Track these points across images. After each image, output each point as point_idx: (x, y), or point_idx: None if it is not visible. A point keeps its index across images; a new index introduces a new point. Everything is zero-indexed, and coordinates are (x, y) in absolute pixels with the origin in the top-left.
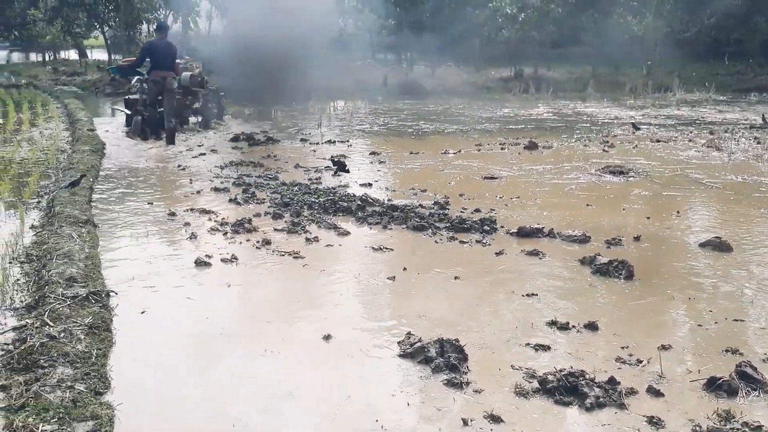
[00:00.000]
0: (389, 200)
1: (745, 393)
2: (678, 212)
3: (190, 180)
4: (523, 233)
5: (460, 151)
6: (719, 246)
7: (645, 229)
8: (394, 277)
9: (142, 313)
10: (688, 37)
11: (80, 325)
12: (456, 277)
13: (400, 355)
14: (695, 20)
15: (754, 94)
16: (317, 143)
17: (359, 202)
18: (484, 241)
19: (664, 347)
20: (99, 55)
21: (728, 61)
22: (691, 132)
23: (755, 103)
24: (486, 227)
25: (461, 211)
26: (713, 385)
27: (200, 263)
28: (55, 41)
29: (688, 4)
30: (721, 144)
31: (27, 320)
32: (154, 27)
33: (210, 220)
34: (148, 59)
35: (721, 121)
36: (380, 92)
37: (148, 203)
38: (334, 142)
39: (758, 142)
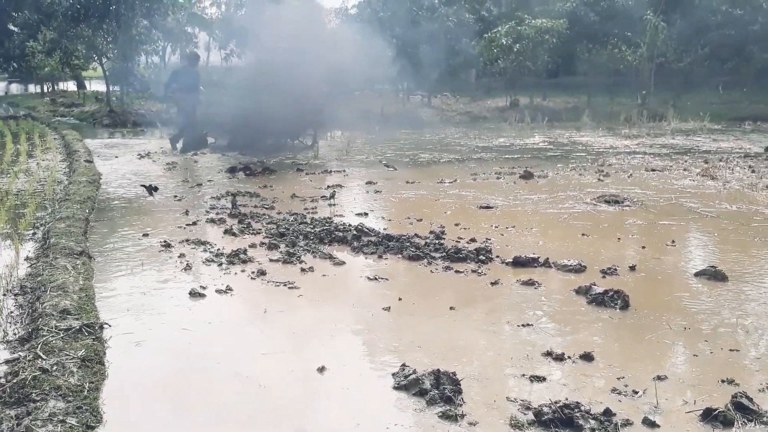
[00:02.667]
0: (385, 230)
1: (741, 424)
2: (673, 241)
3: (186, 211)
4: (519, 263)
5: (455, 180)
6: (715, 275)
7: (640, 259)
8: (390, 307)
9: (136, 345)
10: (682, 67)
11: (73, 357)
12: (451, 308)
13: (395, 387)
14: (689, 50)
15: (748, 123)
16: (313, 173)
17: (355, 232)
18: (480, 270)
19: (659, 378)
20: (97, 86)
21: (722, 90)
22: (685, 161)
23: (750, 131)
24: (481, 257)
25: (457, 241)
26: (709, 416)
27: (195, 294)
28: (54, 73)
29: (682, 34)
30: (716, 173)
31: (19, 353)
32: (186, 54)
33: (205, 251)
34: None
35: (715, 149)
36: (377, 122)
37: (144, 235)
38: (331, 171)
39: (753, 171)
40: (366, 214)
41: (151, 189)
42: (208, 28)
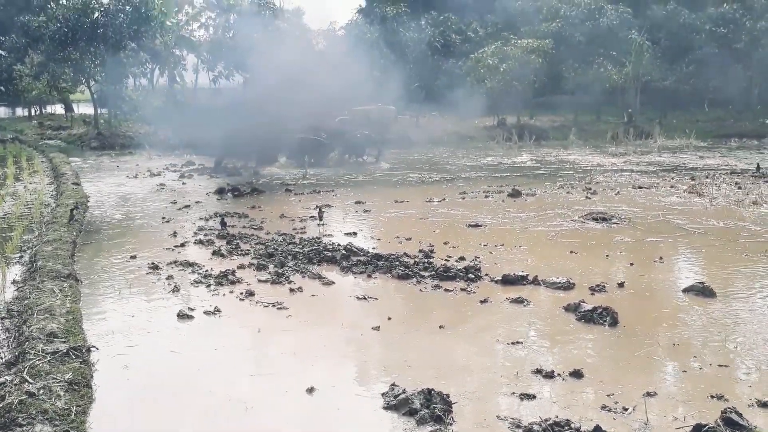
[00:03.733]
0: (374, 249)
1: None
2: (661, 258)
3: (174, 233)
4: (508, 281)
5: (444, 199)
6: (703, 291)
7: (629, 276)
8: (379, 326)
9: (124, 368)
10: (667, 86)
11: (60, 381)
12: (441, 326)
13: (385, 407)
14: (674, 69)
15: (734, 140)
16: (302, 193)
17: (344, 252)
18: (469, 289)
19: (649, 394)
20: (85, 109)
21: (708, 108)
22: (672, 178)
23: (735, 148)
24: (470, 275)
25: (446, 259)
26: None
27: (183, 316)
28: (41, 96)
29: (667, 53)
30: (703, 189)
31: (6, 377)
32: None
33: (193, 272)
34: None
35: (702, 166)
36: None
37: (131, 257)
38: (320, 191)
39: (739, 188)
40: (355, 233)
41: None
42: (197, 51)
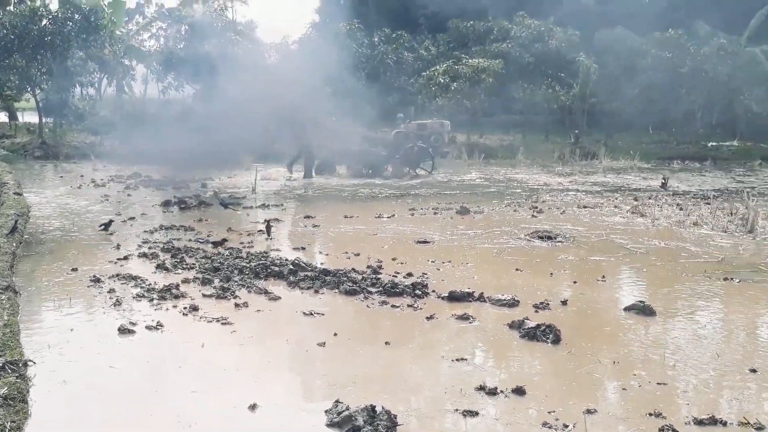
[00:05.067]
0: (322, 264)
1: None
2: (603, 277)
3: (118, 245)
4: (454, 297)
5: (394, 215)
6: (643, 310)
7: (572, 294)
8: (325, 342)
9: (62, 383)
10: (613, 107)
11: None
12: (387, 343)
13: (328, 425)
14: (620, 91)
15: (677, 162)
16: (250, 207)
17: (291, 267)
18: (416, 305)
19: (589, 411)
20: (30, 117)
21: (652, 130)
22: (616, 198)
23: (678, 170)
24: (418, 291)
25: (394, 276)
26: None
27: (124, 331)
28: None
29: (613, 75)
30: (645, 210)
31: None
32: None
33: (136, 286)
34: None
35: (645, 188)
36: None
37: (72, 269)
38: (268, 206)
39: (681, 209)
40: (303, 248)
41: (107, 224)
42: (146, 61)
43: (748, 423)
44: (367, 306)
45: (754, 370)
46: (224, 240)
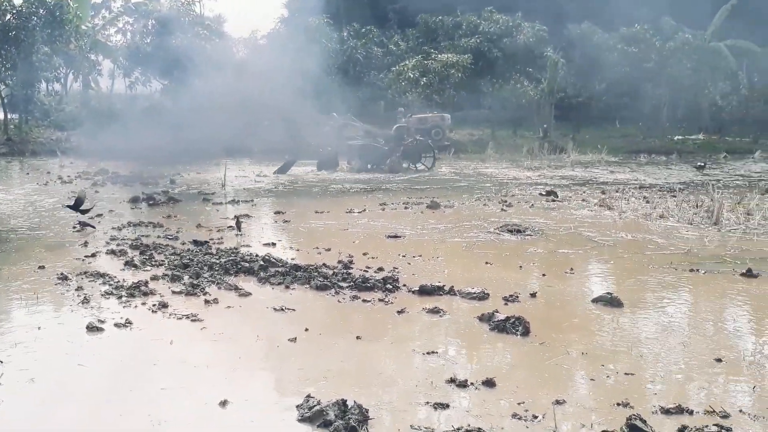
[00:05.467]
0: (293, 260)
1: None
2: (572, 269)
3: (85, 243)
4: (425, 291)
5: (364, 210)
6: (611, 302)
7: (541, 286)
8: (296, 338)
9: (30, 381)
10: (581, 102)
11: None
12: (358, 337)
13: (299, 420)
14: (587, 86)
15: (643, 156)
16: (220, 203)
17: (262, 262)
18: (387, 299)
19: (558, 402)
20: None
21: (619, 124)
22: (584, 192)
23: (645, 164)
24: (388, 286)
25: (365, 270)
26: None
27: (92, 329)
28: None
29: (581, 71)
30: (613, 203)
31: None
32: None
33: (104, 283)
34: None
35: (612, 181)
36: (287, 152)
37: (39, 267)
38: (238, 201)
39: (647, 201)
40: (274, 244)
41: (85, 224)
42: (113, 56)
43: (714, 411)
44: (339, 301)
45: (719, 360)
46: (206, 242)
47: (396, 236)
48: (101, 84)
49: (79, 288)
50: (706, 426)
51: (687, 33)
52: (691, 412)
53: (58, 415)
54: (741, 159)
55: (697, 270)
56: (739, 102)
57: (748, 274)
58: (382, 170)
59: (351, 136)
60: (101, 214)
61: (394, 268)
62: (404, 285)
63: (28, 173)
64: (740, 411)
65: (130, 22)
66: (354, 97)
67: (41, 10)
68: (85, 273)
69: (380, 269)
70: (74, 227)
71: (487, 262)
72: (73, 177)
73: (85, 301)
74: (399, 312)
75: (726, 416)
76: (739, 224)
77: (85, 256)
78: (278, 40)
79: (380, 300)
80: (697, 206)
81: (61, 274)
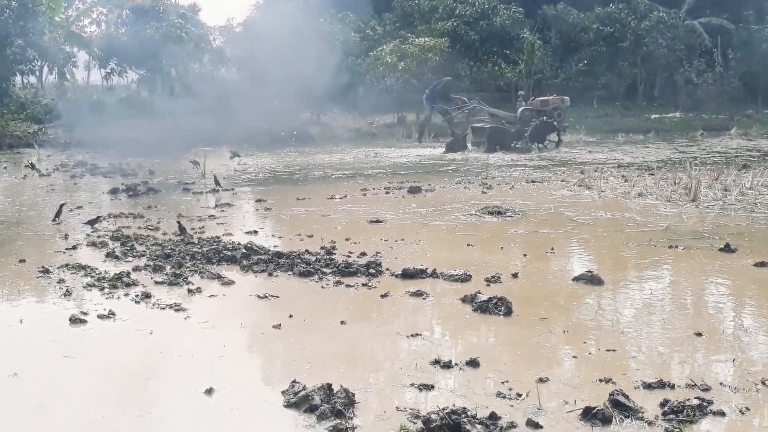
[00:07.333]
0: (275, 247)
1: (619, 420)
2: (552, 249)
3: (66, 235)
4: (408, 275)
5: (346, 196)
6: (591, 280)
7: (522, 266)
8: (280, 324)
9: (13, 376)
10: (558, 83)
11: None
12: (342, 322)
13: (286, 405)
14: (564, 67)
15: (621, 135)
16: (201, 192)
17: (244, 251)
18: (370, 284)
19: (542, 380)
20: None
21: (597, 104)
22: (563, 172)
23: (623, 143)
24: (372, 270)
25: (347, 256)
26: (589, 415)
27: (75, 321)
28: None
29: (557, 51)
30: (592, 183)
31: None
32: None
33: (86, 275)
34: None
35: (591, 161)
36: (267, 139)
37: (20, 260)
38: (219, 190)
39: (625, 180)
40: (256, 232)
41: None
42: (88, 47)
43: (695, 385)
44: (322, 287)
45: (699, 334)
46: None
47: (378, 221)
48: (77, 76)
49: (61, 281)
50: (688, 399)
51: (661, 11)
52: (672, 386)
53: (42, 406)
54: (717, 136)
55: (676, 246)
56: (714, 79)
57: (726, 249)
58: (508, 150)
59: (478, 120)
60: (81, 207)
61: (377, 252)
62: (387, 269)
63: (5, 167)
64: (720, 384)
65: (104, 13)
66: (333, 84)
67: (13, 2)
68: (67, 265)
69: (363, 254)
70: (53, 220)
71: (468, 244)
72: (51, 170)
73: (68, 293)
74: (382, 296)
75: (707, 389)
76: (717, 200)
77: (66, 249)
78: (254, 27)
79: (363, 285)
80: (675, 183)
81: (43, 267)
